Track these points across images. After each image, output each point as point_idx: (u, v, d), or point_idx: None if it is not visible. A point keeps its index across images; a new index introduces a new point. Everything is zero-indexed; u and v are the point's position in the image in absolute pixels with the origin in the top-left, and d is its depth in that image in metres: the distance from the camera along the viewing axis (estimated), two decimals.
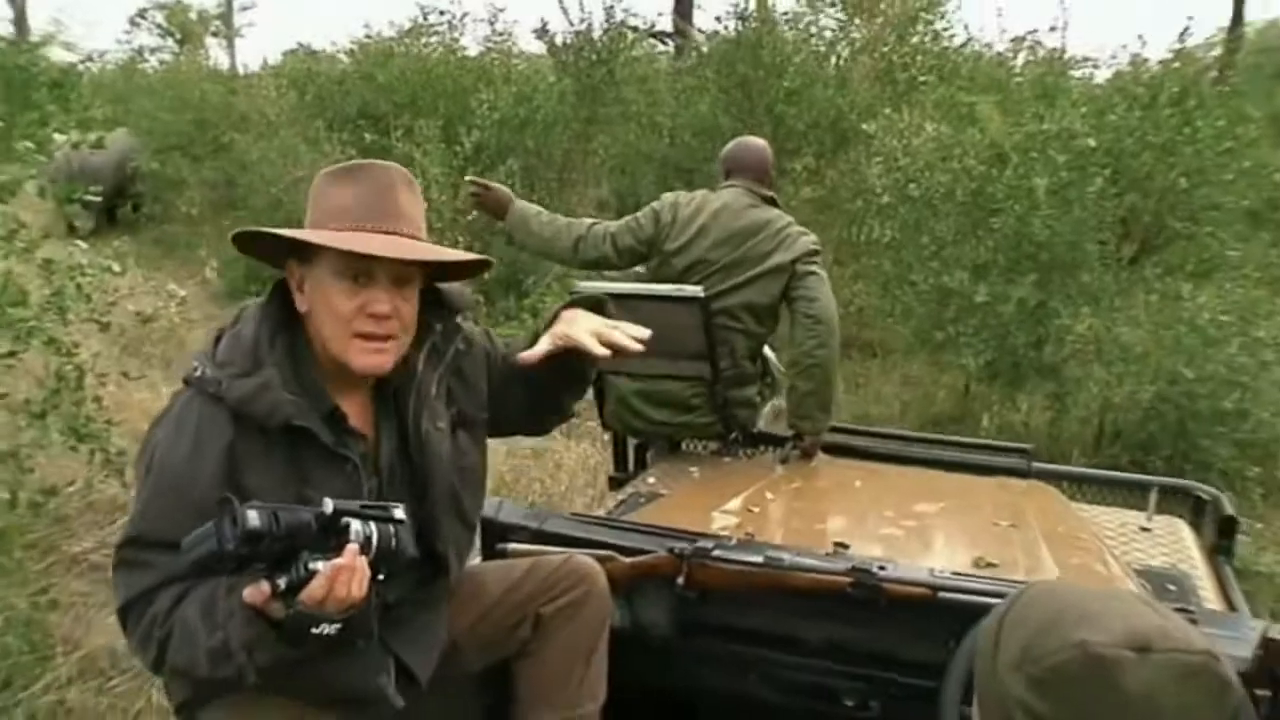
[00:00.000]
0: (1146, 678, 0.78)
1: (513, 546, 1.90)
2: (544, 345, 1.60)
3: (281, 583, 1.23)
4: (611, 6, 8.12)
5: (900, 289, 5.83)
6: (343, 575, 1.23)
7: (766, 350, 3.02)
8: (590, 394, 2.85)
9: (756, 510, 2.29)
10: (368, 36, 9.67)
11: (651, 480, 2.69)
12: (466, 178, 3.27)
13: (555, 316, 1.67)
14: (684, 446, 3.00)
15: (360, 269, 1.40)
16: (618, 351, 1.59)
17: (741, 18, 7.49)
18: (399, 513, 1.34)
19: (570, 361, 1.62)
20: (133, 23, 23.07)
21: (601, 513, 2.37)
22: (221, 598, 1.29)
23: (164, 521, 1.33)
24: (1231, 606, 2.12)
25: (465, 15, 9.53)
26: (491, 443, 1.73)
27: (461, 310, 1.63)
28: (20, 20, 18.37)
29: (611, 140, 8.32)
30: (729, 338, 2.78)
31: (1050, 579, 1.84)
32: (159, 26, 22.95)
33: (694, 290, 2.65)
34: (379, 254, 1.37)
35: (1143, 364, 4.62)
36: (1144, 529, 2.52)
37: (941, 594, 1.69)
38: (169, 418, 1.41)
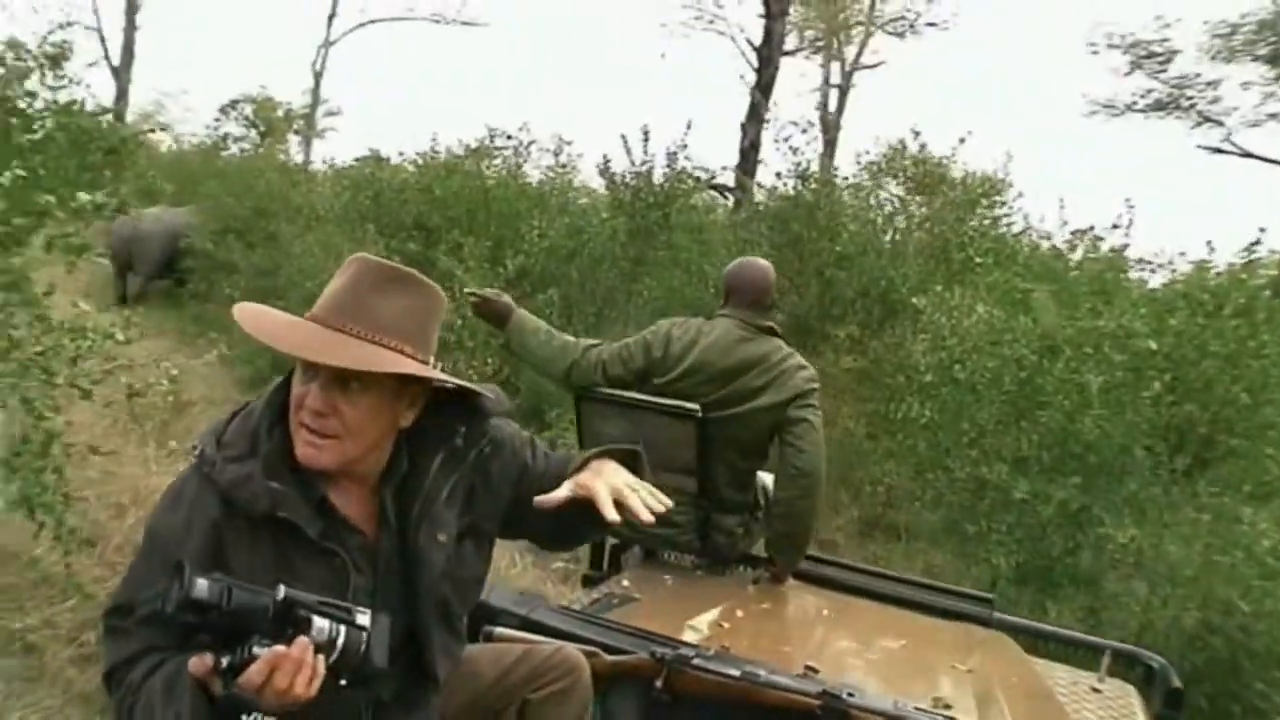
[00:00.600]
0: None
1: (499, 630, 1.94)
2: (563, 492, 1.57)
3: (224, 660, 1.21)
4: (675, 153, 8.16)
5: (934, 474, 5.54)
6: (285, 665, 1.21)
7: (764, 477, 3.00)
8: None
9: (727, 626, 2.33)
10: (434, 151, 9.81)
11: (626, 583, 2.70)
12: (465, 289, 3.25)
13: (585, 463, 1.63)
14: (660, 554, 3.02)
15: (306, 363, 1.41)
16: (629, 515, 1.55)
17: (802, 177, 7.50)
18: (363, 619, 1.31)
19: (589, 509, 1.56)
20: (223, 111, 24.01)
21: (576, 608, 2.37)
22: (184, 673, 1.26)
23: (147, 590, 1.31)
24: None
25: (532, 143, 9.68)
26: None
27: (491, 415, 1.60)
28: (122, 97, 19.16)
29: (656, 283, 8.26)
30: (713, 468, 2.79)
31: None
32: (246, 118, 23.85)
33: (693, 407, 2.69)
34: (294, 353, 1.39)
35: (1191, 587, 4.23)
36: (1095, 689, 2.52)
37: None
38: (170, 491, 1.44)
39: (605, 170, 8.39)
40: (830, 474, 6.17)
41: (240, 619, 1.22)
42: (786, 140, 7.70)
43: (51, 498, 2.99)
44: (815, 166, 7.67)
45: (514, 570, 4.66)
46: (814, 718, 1.77)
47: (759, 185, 7.86)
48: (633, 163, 8.18)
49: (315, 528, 1.42)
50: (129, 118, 19.42)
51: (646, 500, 1.55)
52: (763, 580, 2.82)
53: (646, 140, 8.12)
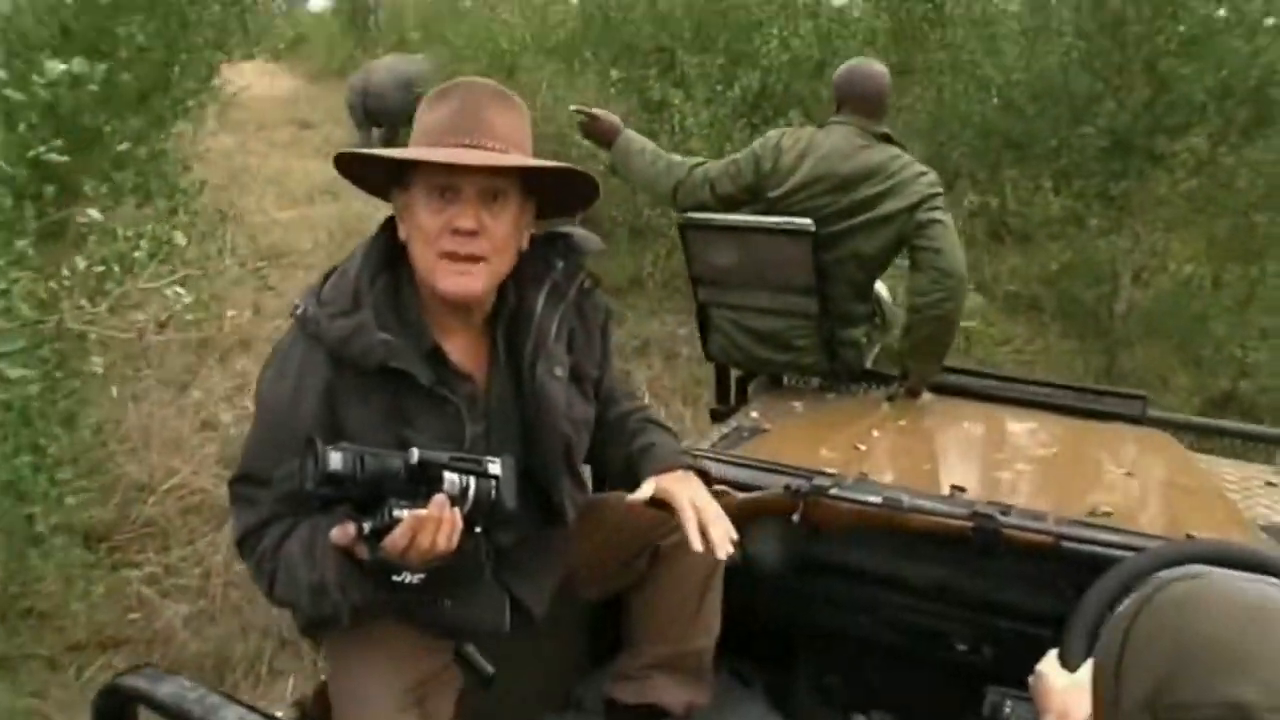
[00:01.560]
0: None
1: None
2: (647, 491, 1.54)
3: (366, 526, 1.24)
4: None
5: None
6: (427, 525, 1.24)
7: (879, 287, 2.88)
8: (694, 325, 3.02)
9: (864, 448, 2.24)
10: None
11: (754, 415, 2.60)
12: (572, 107, 3.04)
13: (667, 468, 1.58)
14: (786, 381, 2.92)
15: (446, 184, 1.37)
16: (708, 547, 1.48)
17: None
18: (494, 468, 1.33)
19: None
20: None
21: (705, 446, 2.26)
22: (321, 536, 1.30)
23: (268, 458, 1.36)
24: None
25: None
26: None
27: (587, 251, 1.56)
28: None
29: (928, 95, 6.66)
30: (832, 284, 2.68)
31: (1177, 539, 1.65)
32: None
33: (804, 223, 2.58)
34: (453, 161, 1.34)
35: None
36: (1270, 484, 2.34)
37: (1064, 543, 1.64)
38: (275, 355, 1.43)
39: None
40: (1161, 330, 4.87)
41: (375, 484, 1.23)
42: None
43: None
44: None
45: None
46: (966, 540, 1.68)
47: None
48: None
49: (427, 376, 1.38)
50: None
51: (729, 534, 1.50)
52: (898, 396, 2.66)
53: None
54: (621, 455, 1.66)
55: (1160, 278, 5.63)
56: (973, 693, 1.42)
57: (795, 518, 1.78)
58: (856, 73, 2.78)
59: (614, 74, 7.16)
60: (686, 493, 1.51)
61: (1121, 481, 2.09)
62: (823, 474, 1.87)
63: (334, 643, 1.48)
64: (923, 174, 2.63)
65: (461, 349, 1.46)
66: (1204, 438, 2.64)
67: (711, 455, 2.03)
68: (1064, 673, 1.18)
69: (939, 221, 2.57)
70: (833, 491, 1.78)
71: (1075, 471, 2.20)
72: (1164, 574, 0.96)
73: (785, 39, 6.75)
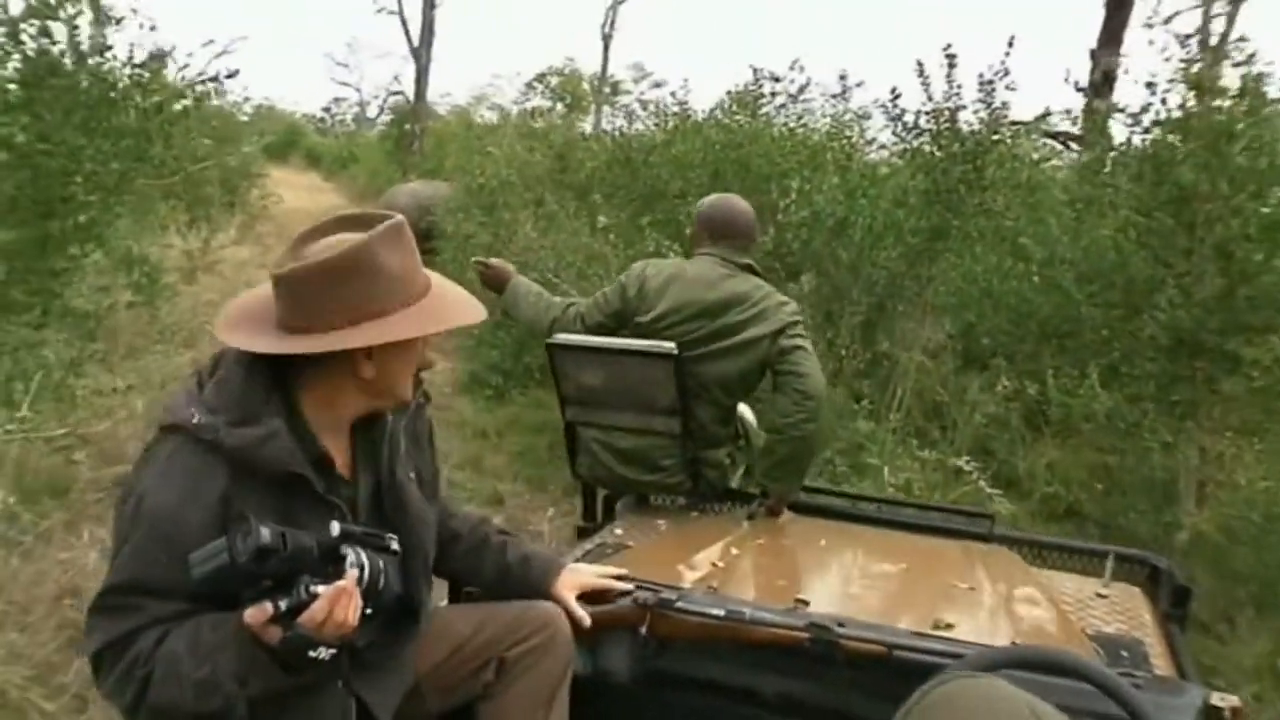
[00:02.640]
0: None
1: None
2: (578, 609, 1.82)
3: (283, 604, 1.26)
4: (991, 81, 5.71)
5: None
6: (342, 599, 1.28)
7: (742, 409, 2.95)
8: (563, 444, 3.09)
9: (722, 565, 2.28)
10: (680, 106, 8.02)
11: (619, 532, 2.65)
12: (474, 259, 3.18)
13: (556, 571, 1.87)
14: (652, 499, 2.95)
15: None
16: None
17: (1198, 87, 4.51)
18: (394, 545, 1.45)
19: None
20: (529, 85, 23.82)
21: (570, 560, 2.13)
22: (207, 631, 1.32)
23: (152, 568, 1.36)
24: (1182, 673, 2.03)
25: (805, 85, 7.60)
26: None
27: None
28: (421, 76, 19.17)
29: (961, 263, 5.95)
30: (697, 406, 2.73)
31: (1005, 642, 1.82)
32: (551, 91, 23.48)
33: (668, 348, 2.66)
34: (472, 321, 1.57)
35: None
36: (1100, 595, 2.42)
37: (896, 652, 1.70)
38: (155, 465, 1.42)
39: (892, 107, 6.10)
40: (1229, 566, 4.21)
41: (296, 560, 1.27)
42: (1173, 51, 4.95)
43: None
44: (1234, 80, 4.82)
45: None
46: (805, 651, 1.73)
47: (1128, 117, 5.13)
48: (929, 97, 5.83)
49: (320, 483, 1.46)
50: (430, 97, 19.49)
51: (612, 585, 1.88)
52: (758, 515, 2.73)
53: (952, 67, 5.76)
54: (494, 567, 1.85)
55: (1229, 494, 4.73)
56: None
57: (644, 630, 1.82)
58: (722, 206, 2.88)
59: (644, 220, 6.63)
60: (582, 580, 1.87)
61: (964, 596, 2.18)
62: (671, 587, 1.92)
63: None
64: (784, 303, 2.76)
65: (339, 457, 1.53)
66: (1045, 554, 2.73)
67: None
68: None
69: (800, 347, 2.68)
70: (678, 604, 1.82)
71: (922, 586, 2.29)
72: (946, 674, 1.00)
73: (807, 193, 6.13)
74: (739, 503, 2.84)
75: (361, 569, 1.34)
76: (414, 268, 1.50)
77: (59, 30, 3.76)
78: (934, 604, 2.10)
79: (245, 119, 17.96)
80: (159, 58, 4.02)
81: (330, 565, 1.32)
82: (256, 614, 1.26)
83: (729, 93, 7.93)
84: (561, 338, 2.83)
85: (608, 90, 22.99)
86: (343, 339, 1.43)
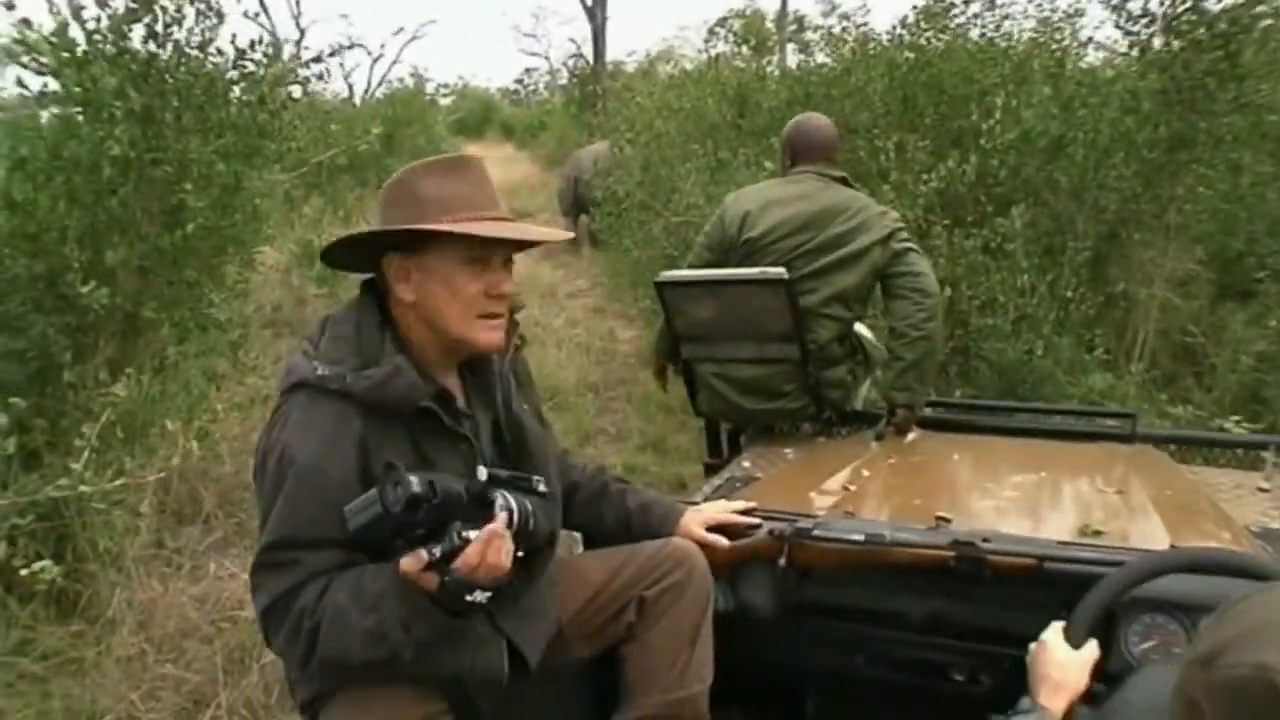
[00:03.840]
0: None
1: None
2: (711, 537, 1.86)
3: (437, 551, 1.28)
4: None
5: None
6: (494, 542, 1.31)
7: (859, 327, 2.90)
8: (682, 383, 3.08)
9: (854, 489, 2.23)
10: (861, 28, 7.18)
11: (746, 464, 2.60)
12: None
13: (677, 516, 1.88)
14: (777, 429, 2.88)
15: (480, 255, 1.48)
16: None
17: None
18: (541, 486, 1.45)
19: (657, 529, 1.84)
20: (711, 32, 23.11)
21: (699, 499, 2.19)
22: (369, 581, 1.34)
23: (305, 521, 1.38)
24: None
25: None
26: None
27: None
28: (599, 36, 18.84)
29: (1214, 178, 4.90)
30: (813, 326, 2.70)
31: (1160, 545, 1.75)
32: (735, 34, 22.66)
33: (778, 272, 2.60)
34: (517, 237, 1.50)
35: None
36: (1261, 489, 2.33)
37: (1048, 564, 1.66)
38: (289, 422, 1.43)
39: None
40: None
41: (446, 508, 1.29)
42: None
43: None
44: None
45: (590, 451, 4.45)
46: (950, 570, 1.69)
47: None
48: None
49: (447, 416, 1.48)
50: (615, 55, 19.15)
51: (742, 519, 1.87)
52: (886, 435, 2.67)
53: None
54: (615, 515, 1.88)
55: None
56: None
57: (782, 562, 1.80)
58: (805, 125, 2.88)
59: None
60: (709, 515, 1.90)
61: (1112, 500, 2.10)
62: (806, 516, 1.90)
63: (332, 715, 1.44)
64: (885, 212, 2.74)
65: (455, 391, 1.56)
66: (1195, 450, 2.60)
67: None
68: (1066, 646, 1.33)
69: (911, 249, 2.67)
70: (815, 533, 1.80)
71: (1066, 494, 2.23)
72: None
73: (1014, 110, 5.25)
74: (865, 424, 2.79)
75: (510, 512, 1.36)
76: (461, 194, 1.49)
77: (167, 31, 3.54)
78: (1081, 511, 2.04)
79: (430, 99, 18.35)
80: (265, 48, 3.73)
81: (481, 509, 1.33)
82: (413, 562, 1.28)
83: (914, 7, 7.01)
84: (670, 275, 2.81)
85: (793, 27, 21.90)
86: (361, 236, 1.52)
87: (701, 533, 1.84)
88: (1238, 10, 4.66)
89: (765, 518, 1.90)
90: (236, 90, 3.65)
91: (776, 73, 9.73)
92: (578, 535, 1.95)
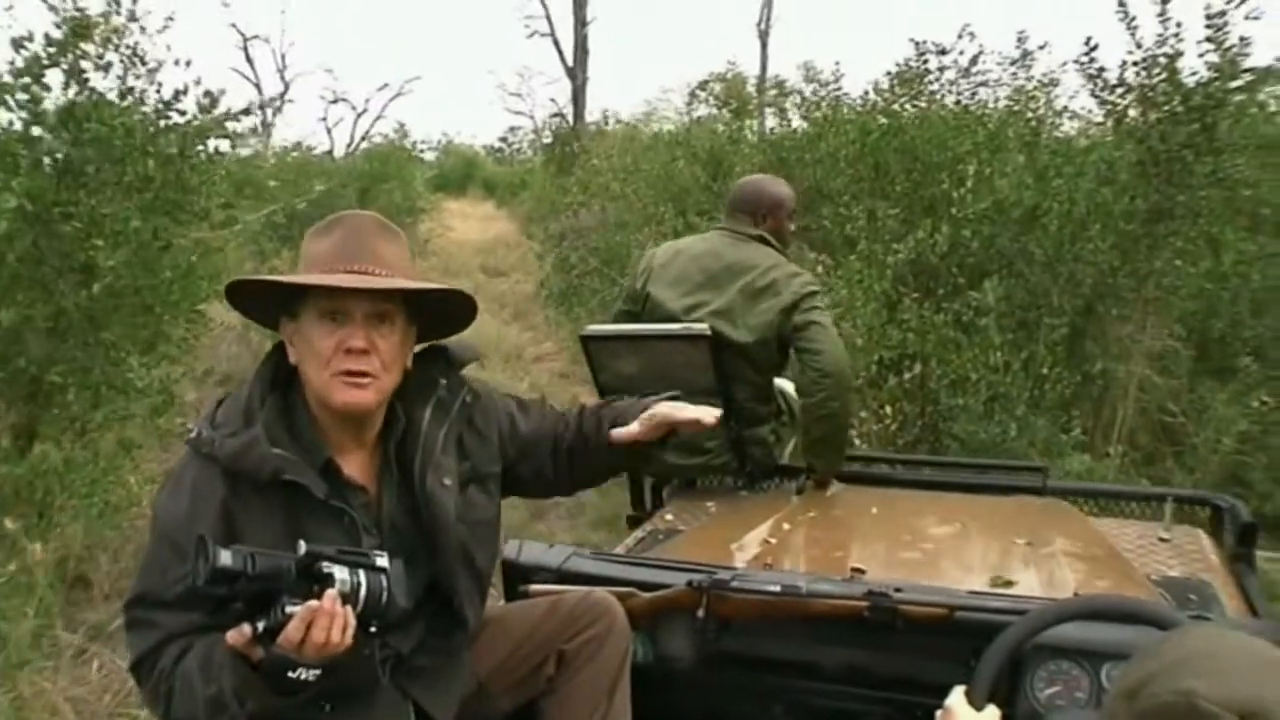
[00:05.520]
0: None
1: (535, 587, 1.88)
2: (635, 427, 1.73)
3: (260, 625, 1.26)
4: (1224, 14, 4.50)
5: None
6: (319, 619, 1.26)
7: (782, 383, 2.91)
8: None
9: (775, 541, 2.27)
10: (834, 92, 7.08)
11: (669, 517, 2.64)
12: None
13: (640, 408, 1.77)
14: (700, 483, 2.92)
15: (337, 308, 1.45)
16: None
17: None
18: (381, 560, 1.38)
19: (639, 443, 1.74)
20: (693, 95, 23.21)
21: (621, 551, 2.29)
22: (217, 651, 1.32)
23: (165, 581, 1.39)
24: (1254, 610, 2.03)
25: (978, 55, 6.49)
26: None
27: (465, 363, 1.66)
28: (578, 96, 18.88)
29: (1192, 251, 4.74)
30: (733, 386, 2.69)
31: (1067, 594, 1.80)
32: (716, 98, 22.77)
33: (700, 328, 2.62)
34: (343, 285, 1.43)
35: None
36: (1163, 539, 2.40)
37: (959, 613, 1.69)
38: (169, 478, 1.48)
39: (1089, 64, 4.92)
40: None
41: (267, 582, 1.26)
42: None
43: None
44: None
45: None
46: (864, 620, 1.70)
47: None
48: (1137, 43, 4.64)
49: (321, 489, 1.44)
50: (596, 115, 19.17)
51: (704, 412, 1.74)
52: (806, 489, 2.69)
53: (1165, 2, 4.56)
54: (596, 437, 1.78)
55: None
56: None
57: (700, 613, 1.79)
58: (738, 184, 2.94)
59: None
60: (667, 407, 1.75)
61: (1022, 551, 2.14)
62: (725, 568, 1.89)
63: None
64: (796, 274, 2.69)
65: (355, 464, 1.52)
66: (1103, 503, 2.69)
67: (617, 559, 2.07)
68: (970, 710, 1.33)
69: (815, 323, 2.61)
70: (733, 584, 1.79)
71: (979, 545, 2.27)
72: (1179, 629, 1.07)
73: (988, 179, 5.10)
74: (787, 478, 2.79)
75: (354, 589, 1.32)
76: (333, 249, 1.47)
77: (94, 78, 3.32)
78: (992, 562, 2.10)
79: (411, 154, 18.29)
80: (201, 99, 3.50)
81: (313, 584, 1.29)
82: (235, 635, 1.26)
83: (889, 73, 6.93)
84: (593, 329, 2.83)
85: (773, 91, 22.06)
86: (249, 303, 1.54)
87: (637, 427, 1.74)
88: (1212, 84, 4.55)
89: (685, 569, 1.90)
90: (164, 142, 3.41)
91: (754, 137, 9.65)
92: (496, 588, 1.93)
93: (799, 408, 2.83)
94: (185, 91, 3.34)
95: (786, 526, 2.36)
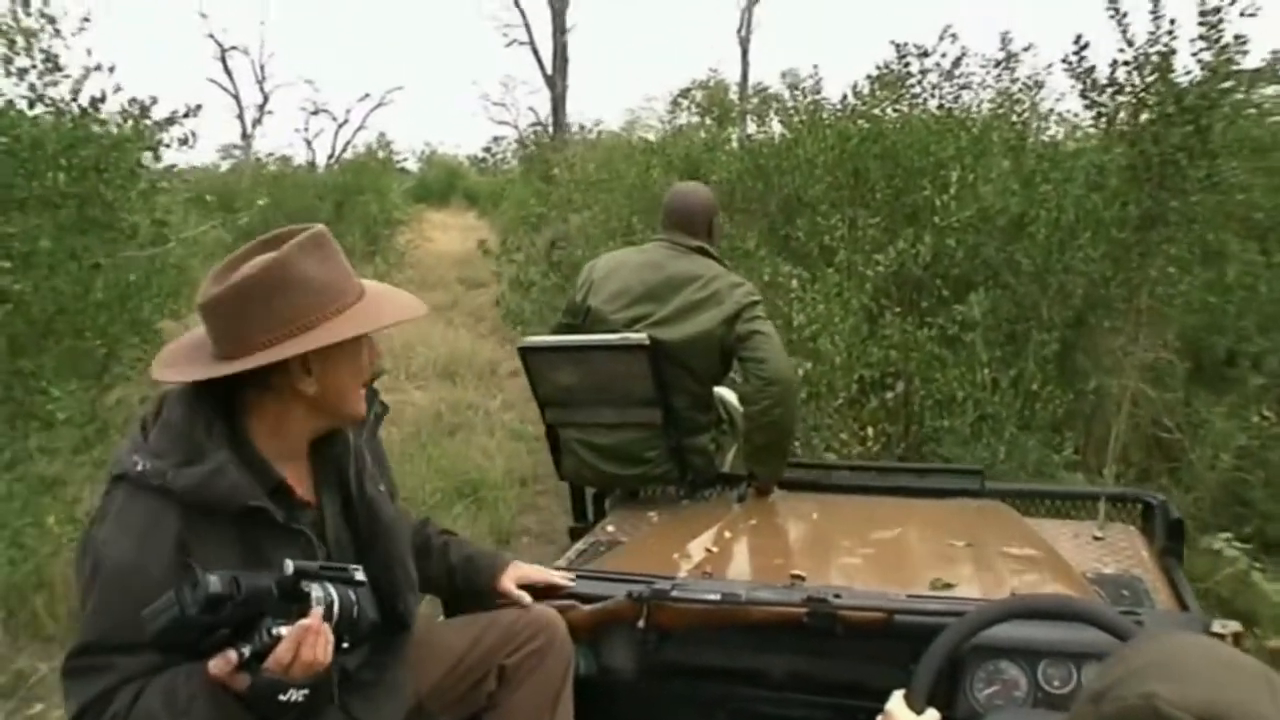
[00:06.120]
0: None
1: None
2: (518, 594, 1.82)
3: (246, 650, 1.24)
4: (1219, 10, 4.27)
5: None
6: (308, 638, 1.26)
7: (722, 392, 2.91)
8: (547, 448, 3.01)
9: (716, 550, 2.27)
10: (813, 97, 6.85)
11: (610, 528, 2.64)
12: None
13: (501, 566, 1.87)
14: (642, 493, 2.91)
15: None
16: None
17: None
18: (359, 575, 1.39)
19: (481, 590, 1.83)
20: (675, 103, 23.02)
21: (563, 563, 2.27)
22: (182, 684, 1.29)
23: (117, 625, 1.32)
24: (1182, 605, 2.05)
25: (961, 57, 6.27)
26: None
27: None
28: (559, 105, 18.64)
29: (1187, 259, 4.51)
30: (672, 395, 2.67)
31: (1005, 594, 1.82)
32: (698, 106, 22.59)
33: (639, 338, 2.61)
34: (417, 316, 1.55)
35: None
36: (1097, 538, 2.46)
37: (897, 617, 1.71)
38: (108, 518, 1.39)
39: (1078, 64, 4.69)
40: None
41: (252, 604, 1.24)
42: None
43: None
44: None
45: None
46: (804, 626, 1.74)
47: None
48: (1129, 42, 4.42)
49: (280, 512, 1.43)
50: (572, 124, 18.95)
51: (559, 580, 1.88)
52: (748, 497, 2.70)
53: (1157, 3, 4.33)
54: (441, 569, 1.84)
55: None
56: None
57: (641, 623, 1.80)
58: (673, 192, 2.88)
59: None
60: (525, 573, 1.86)
61: (961, 553, 2.16)
62: (664, 578, 1.90)
63: None
64: (738, 284, 2.67)
65: (297, 482, 1.51)
66: (1039, 503, 2.69)
67: (565, 571, 2.04)
68: (910, 713, 1.35)
69: (758, 332, 2.59)
70: (673, 593, 1.81)
71: (918, 549, 2.28)
72: (1144, 635, 1.09)
73: (971, 186, 4.87)
74: (728, 486, 2.80)
75: (331, 604, 1.31)
76: (341, 275, 1.47)
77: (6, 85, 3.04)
78: (931, 565, 2.09)
79: (391, 165, 18.03)
80: (128, 106, 3.22)
81: (294, 604, 1.27)
82: (220, 664, 1.23)
83: (869, 76, 6.70)
84: (532, 340, 2.80)
85: (755, 99, 21.89)
86: (271, 355, 1.40)
87: (510, 586, 1.83)
88: (1206, 85, 4.33)
89: (625, 580, 1.91)
90: (82, 154, 3.13)
91: (735, 144, 9.42)
92: (438, 603, 1.95)
93: (742, 416, 2.83)
94: (104, 99, 3.07)
95: (728, 535, 2.38)
